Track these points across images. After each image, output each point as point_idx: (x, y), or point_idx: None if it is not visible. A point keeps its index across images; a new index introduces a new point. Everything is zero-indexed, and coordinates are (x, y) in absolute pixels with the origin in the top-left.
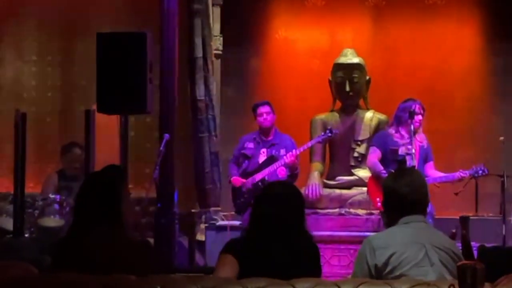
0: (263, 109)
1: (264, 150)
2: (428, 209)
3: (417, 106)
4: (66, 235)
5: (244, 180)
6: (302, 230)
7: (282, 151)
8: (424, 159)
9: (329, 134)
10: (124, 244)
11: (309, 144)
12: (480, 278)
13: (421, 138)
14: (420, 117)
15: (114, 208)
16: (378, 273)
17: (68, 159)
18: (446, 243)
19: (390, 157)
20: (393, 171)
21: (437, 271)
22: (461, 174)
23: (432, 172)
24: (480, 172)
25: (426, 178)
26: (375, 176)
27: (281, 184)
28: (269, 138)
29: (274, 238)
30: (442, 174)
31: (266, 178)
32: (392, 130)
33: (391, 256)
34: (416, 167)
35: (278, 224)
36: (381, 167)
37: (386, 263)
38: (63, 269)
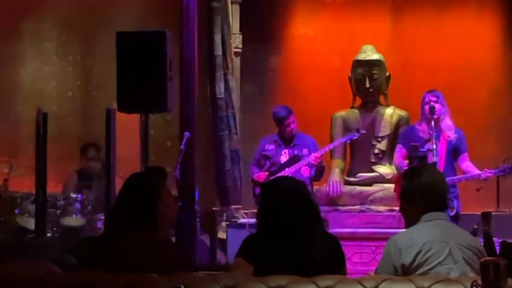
0: (290, 120)
1: (285, 150)
2: (455, 209)
3: (428, 95)
4: (101, 234)
5: (266, 174)
6: (312, 224)
7: (305, 151)
8: (454, 153)
9: (356, 135)
10: (155, 246)
11: (336, 143)
12: (503, 274)
13: (449, 132)
14: (434, 105)
15: (150, 210)
16: (406, 272)
17: (85, 159)
18: (470, 240)
19: (412, 153)
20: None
21: (461, 269)
22: (487, 173)
23: (466, 165)
24: (508, 171)
25: (451, 177)
26: (400, 174)
27: (286, 179)
28: (291, 139)
29: (282, 234)
30: (470, 172)
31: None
32: (417, 125)
33: (417, 254)
34: (439, 163)
35: (285, 219)
36: (404, 165)
37: (412, 262)
38: (93, 267)
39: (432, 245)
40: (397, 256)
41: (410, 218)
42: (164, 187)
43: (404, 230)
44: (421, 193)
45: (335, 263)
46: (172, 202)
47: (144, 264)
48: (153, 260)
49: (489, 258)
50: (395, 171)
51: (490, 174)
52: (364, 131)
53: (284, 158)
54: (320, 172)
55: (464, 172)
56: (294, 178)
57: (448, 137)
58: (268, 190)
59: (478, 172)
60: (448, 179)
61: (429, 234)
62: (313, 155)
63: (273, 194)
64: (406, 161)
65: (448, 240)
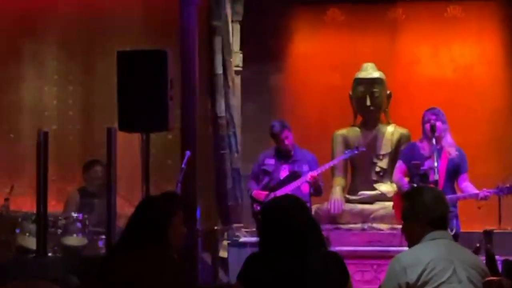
0: (284, 134)
1: (285, 166)
2: (455, 229)
3: (427, 113)
4: (106, 253)
5: (266, 192)
6: (314, 244)
7: (305, 167)
8: (454, 172)
9: (355, 152)
10: (161, 266)
11: (335, 161)
12: None
13: (450, 149)
14: (435, 123)
15: (160, 233)
16: None
17: (90, 176)
18: (474, 260)
19: (413, 171)
20: (415, 185)
21: None
22: (485, 193)
23: (465, 185)
24: (506, 191)
25: (450, 195)
26: (400, 191)
27: (287, 198)
28: (290, 154)
29: (284, 254)
30: (467, 192)
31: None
32: (419, 143)
33: (422, 272)
34: (440, 181)
35: (287, 239)
36: (405, 182)
37: (417, 280)
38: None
39: (437, 263)
40: (402, 274)
41: (413, 237)
42: (177, 212)
43: (408, 248)
44: (423, 212)
45: (339, 281)
46: (183, 228)
47: (150, 284)
48: (159, 280)
49: (492, 278)
50: (396, 189)
51: (488, 194)
52: (364, 148)
53: (284, 173)
54: (316, 191)
55: (462, 192)
56: (295, 197)
57: (449, 154)
58: (269, 209)
59: (476, 191)
60: (446, 197)
61: (434, 253)
62: (309, 174)
63: (274, 214)
64: (406, 178)
65: (452, 259)
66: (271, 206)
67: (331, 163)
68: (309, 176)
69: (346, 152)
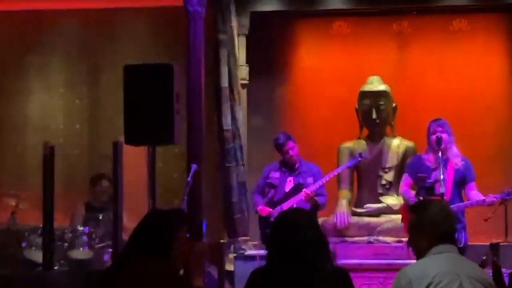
0: (289, 145)
1: (290, 178)
2: (463, 241)
3: (433, 125)
4: (110, 266)
5: (271, 210)
6: (321, 258)
7: (309, 180)
8: (461, 182)
9: (359, 159)
10: (166, 281)
11: (339, 169)
12: None
13: (456, 160)
14: (441, 135)
15: (166, 247)
16: None
17: (97, 190)
18: (481, 273)
19: (419, 184)
20: (422, 198)
21: None
22: (492, 198)
23: (474, 194)
24: None
25: (459, 204)
26: (407, 204)
27: (297, 212)
28: (295, 167)
29: (291, 268)
30: (474, 199)
31: (295, 206)
32: (424, 155)
33: (428, 286)
34: (447, 192)
35: (295, 253)
36: (411, 195)
37: None
38: None
39: (443, 277)
40: (408, 287)
41: (420, 251)
42: (182, 227)
43: (414, 261)
44: (431, 226)
45: None
46: (188, 243)
47: None
48: None
49: None
50: (402, 202)
51: (494, 199)
52: (367, 156)
53: (289, 186)
54: (313, 207)
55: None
56: (305, 212)
57: (456, 164)
58: (278, 223)
59: (483, 197)
60: (453, 206)
61: (440, 266)
62: (304, 191)
63: (283, 228)
64: (413, 191)
65: (459, 273)
66: (280, 219)
67: (334, 172)
68: (303, 193)
69: (350, 160)
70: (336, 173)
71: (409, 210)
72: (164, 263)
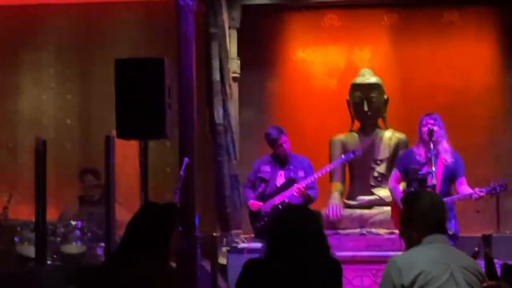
0: (282, 140)
1: (281, 172)
2: (453, 230)
3: (425, 118)
4: (106, 261)
5: (261, 204)
6: (321, 252)
7: (300, 173)
8: (451, 177)
9: (351, 156)
10: (163, 276)
11: (332, 165)
12: None
13: (446, 155)
14: (432, 127)
15: (163, 241)
16: None
17: (84, 185)
18: (472, 263)
19: (411, 176)
20: (413, 190)
21: None
22: (478, 193)
23: (463, 189)
24: (498, 188)
25: (446, 198)
26: (394, 199)
27: (296, 208)
28: (286, 161)
29: (292, 263)
30: (461, 194)
31: (286, 200)
32: (415, 148)
33: (418, 275)
34: (438, 186)
35: (295, 249)
36: (399, 191)
37: (413, 282)
38: None
39: (434, 267)
40: (397, 276)
41: (411, 242)
42: (176, 221)
43: (405, 251)
44: (421, 217)
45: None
46: (178, 236)
47: None
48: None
49: (491, 282)
50: None
51: (482, 194)
52: (360, 152)
53: (280, 180)
54: (306, 202)
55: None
56: (304, 206)
57: (445, 160)
58: (280, 217)
59: (470, 191)
60: None
61: (430, 256)
62: (295, 186)
63: (284, 222)
64: (400, 186)
65: (449, 263)
66: (282, 214)
67: (327, 168)
68: (295, 188)
69: (343, 157)
70: (328, 169)
71: (401, 202)
72: (160, 259)
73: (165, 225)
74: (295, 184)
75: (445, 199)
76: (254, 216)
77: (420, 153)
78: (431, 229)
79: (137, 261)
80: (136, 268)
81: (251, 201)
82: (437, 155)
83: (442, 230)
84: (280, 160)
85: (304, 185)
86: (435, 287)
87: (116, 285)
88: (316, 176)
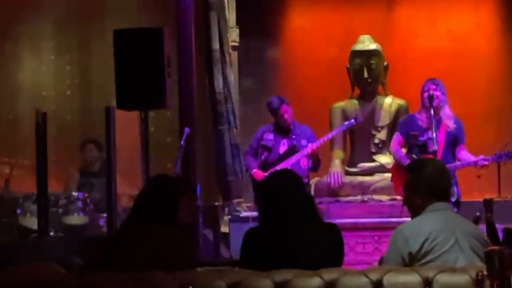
0: (283, 109)
1: (284, 141)
2: (456, 196)
3: (427, 83)
4: (118, 230)
5: (265, 174)
6: (309, 216)
7: (303, 142)
8: (453, 143)
9: (353, 123)
10: (171, 244)
11: (334, 132)
12: (508, 263)
13: (449, 121)
14: (433, 93)
15: (171, 212)
16: (413, 260)
17: (85, 156)
18: (476, 230)
19: (411, 142)
20: (414, 156)
21: (468, 257)
22: (483, 161)
23: (463, 154)
24: (504, 157)
25: (449, 165)
26: (397, 163)
27: (279, 174)
28: (289, 129)
29: (280, 228)
30: (465, 161)
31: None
32: (417, 114)
33: (424, 242)
34: (439, 152)
35: (282, 213)
36: (402, 153)
37: (420, 249)
38: (101, 267)
39: (439, 233)
40: (404, 245)
41: (415, 209)
42: (188, 194)
43: (410, 219)
44: (426, 184)
45: (336, 250)
46: (191, 205)
47: (158, 262)
48: (167, 259)
49: (494, 247)
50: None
51: (486, 162)
52: (362, 119)
53: (283, 148)
54: (316, 164)
55: (460, 161)
56: (288, 173)
57: (448, 126)
58: (263, 185)
59: (475, 159)
60: None
61: (435, 223)
62: (309, 145)
63: (268, 189)
64: (404, 149)
65: (454, 230)
66: (265, 182)
67: (329, 135)
68: (309, 148)
69: (345, 123)
70: (331, 136)
71: (402, 169)
72: (170, 226)
73: (172, 197)
74: (309, 145)
75: (448, 166)
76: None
77: (422, 118)
78: (436, 196)
79: (147, 229)
80: (146, 235)
81: (255, 170)
82: (439, 121)
83: (447, 197)
84: (283, 130)
85: (317, 146)
86: (440, 253)
87: (128, 252)
88: (322, 141)
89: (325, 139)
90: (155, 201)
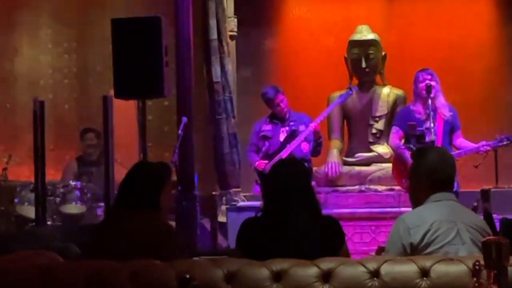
0: (279, 99)
1: (283, 129)
2: (455, 187)
3: (422, 74)
4: (103, 219)
5: (267, 162)
6: (311, 206)
7: (301, 127)
8: (451, 131)
9: (350, 93)
10: (157, 231)
11: (332, 106)
12: (505, 253)
13: (444, 110)
14: (430, 83)
15: (155, 197)
16: (414, 251)
17: (84, 144)
18: (478, 221)
19: (409, 132)
20: (412, 146)
21: (468, 249)
22: (485, 146)
23: (460, 141)
24: (505, 140)
25: (455, 152)
26: (398, 157)
27: (288, 162)
28: (286, 118)
29: (280, 218)
30: (466, 147)
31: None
32: (412, 106)
33: (426, 233)
34: (438, 142)
35: (287, 202)
36: (403, 148)
37: (421, 240)
38: (96, 255)
39: (441, 224)
40: (406, 235)
41: (418, 198)
42: (169, 179)
43: (408, 209)
44: (429, 173)
45: (334, 243)
46: (171, 190)
47: (146, 248)
48: (155, 245)
49: (491, 237)
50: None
51: (488, 147)
52: (357, 88)
53: (283, 136)
54: (318, 144)
55: (458, 149)
56: (291, 162)
57: (444, 115)
58: (268, 175)
59: (476, 145)
60: None
61: (438, 214)
62: (312, 125)
63: (270, 179)
64: (403, 142)
65: (456, 221)
66: (270, 171)
67: (328, 109)
68: (311, 127)
69: (342, 94)
70: (329, 111)
71: (404, 162)
72: (154, 215)
73: (154, 183)
74: (311, 124)
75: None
76: (263, 176)
77: (418, 110)
78: (439, 186)
79: (130, 217)
80: (129, 224)
81: (257, 162)
82: (435, 110)
83: (450, 186)
84: (280, 119)
85: (317, 123)
86: (441, 244)
87: (113, 240)
88: (320, 119)
89: (325, 114)
90: (138, 187)
